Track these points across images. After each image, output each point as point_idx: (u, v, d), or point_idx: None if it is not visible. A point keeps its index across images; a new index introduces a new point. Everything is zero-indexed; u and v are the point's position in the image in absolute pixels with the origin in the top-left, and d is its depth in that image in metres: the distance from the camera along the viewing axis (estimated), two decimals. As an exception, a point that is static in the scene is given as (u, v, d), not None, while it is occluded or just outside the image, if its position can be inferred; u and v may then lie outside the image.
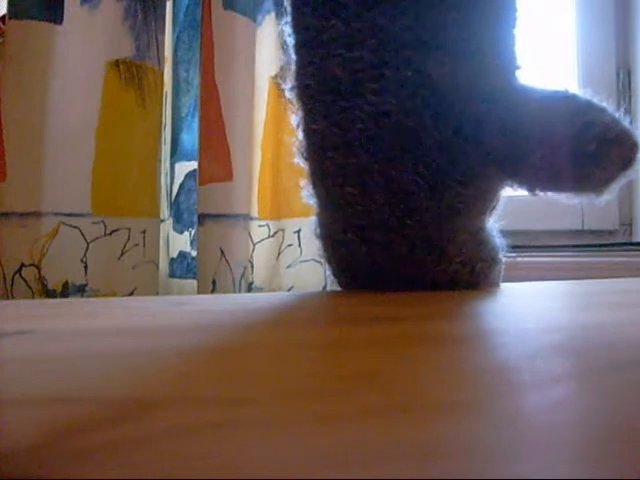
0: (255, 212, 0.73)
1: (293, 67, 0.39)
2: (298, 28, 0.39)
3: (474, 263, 0.41)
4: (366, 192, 0.37)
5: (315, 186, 0.41)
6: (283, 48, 0.40)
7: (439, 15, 0.36)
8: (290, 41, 0.39)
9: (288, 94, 0.40)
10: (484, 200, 0.40)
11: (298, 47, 0.39)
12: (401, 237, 0.37)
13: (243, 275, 0.69)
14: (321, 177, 0.40)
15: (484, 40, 0.37)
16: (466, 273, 0.40)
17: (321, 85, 0.37)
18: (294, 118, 0.40)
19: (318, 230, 0.42)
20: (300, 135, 0.40)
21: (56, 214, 0.64)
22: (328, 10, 0.37)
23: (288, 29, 0.39)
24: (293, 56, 0.39)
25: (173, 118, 0.78)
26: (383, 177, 0.36)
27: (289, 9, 0.39)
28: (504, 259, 0.44)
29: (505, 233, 0.44)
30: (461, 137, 0.36)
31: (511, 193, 0.41)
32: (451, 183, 0.37)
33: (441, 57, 0.36)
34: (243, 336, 0.24)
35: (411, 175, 0.36)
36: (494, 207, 0.42)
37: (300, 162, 0.41)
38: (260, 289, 0.73)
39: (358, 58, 0.36)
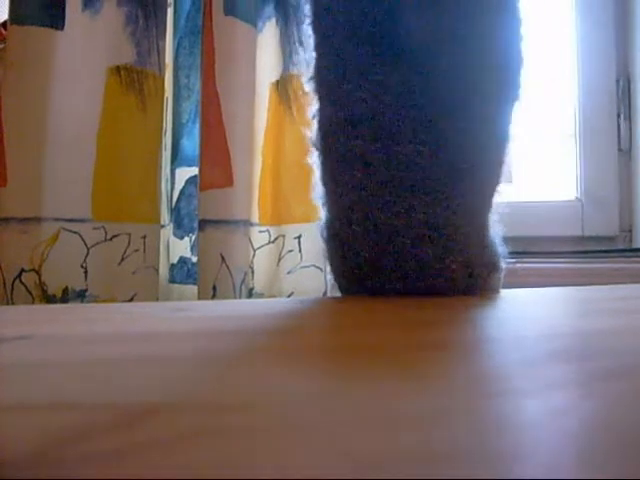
0: (255, 218, 0.73)
1: (312, 63, 0.44)
2: (317, 30, 0.44)
3: (474, 267, 0.41)
4: (369, 172, 0.40)
5: (324, 182, 0.43)
6: (304, 46, 0.46)
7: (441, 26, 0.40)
8: (310, 42, 0.45)
9: (306, 86, 0.45)
10: (485, 184, 0.42)
11: (317, 45, 0.44)
12: (405, 225, 0.39)
13: (243, 281, 0.69)
14: (329, 166, 0.42)
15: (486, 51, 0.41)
16: (465, 277, 0.40)
17: (331, 71, 0.42)
18: (310, 110, 0.44)
19: (325, 232, 0.43)
20: (315, 126, 0.44)
21: (56, 219, 0.64)
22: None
23: (309, 30, 0.45)
24: (313, 53, 0.44)
25: (174, 124, 0.78)
26: (384, 153, 0.39)
27: (310, 14, 0.44)
28: (504, 266, 0.44)
29: (505, 239, 0.44)
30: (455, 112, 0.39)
31: (511, 199, 0.41)
32: (451, 148, 0.40)
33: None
34: (244, 342, 0.24)
35: (412, 145, 0.39)
36: (491, 207, 0.42)
37: (310, 160, 0.44)
38: (260, 295, 0.72)
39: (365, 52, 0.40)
